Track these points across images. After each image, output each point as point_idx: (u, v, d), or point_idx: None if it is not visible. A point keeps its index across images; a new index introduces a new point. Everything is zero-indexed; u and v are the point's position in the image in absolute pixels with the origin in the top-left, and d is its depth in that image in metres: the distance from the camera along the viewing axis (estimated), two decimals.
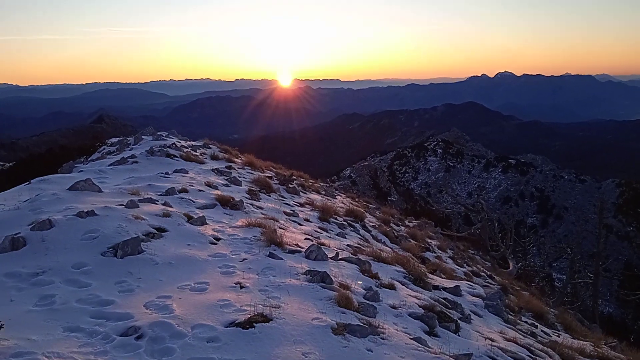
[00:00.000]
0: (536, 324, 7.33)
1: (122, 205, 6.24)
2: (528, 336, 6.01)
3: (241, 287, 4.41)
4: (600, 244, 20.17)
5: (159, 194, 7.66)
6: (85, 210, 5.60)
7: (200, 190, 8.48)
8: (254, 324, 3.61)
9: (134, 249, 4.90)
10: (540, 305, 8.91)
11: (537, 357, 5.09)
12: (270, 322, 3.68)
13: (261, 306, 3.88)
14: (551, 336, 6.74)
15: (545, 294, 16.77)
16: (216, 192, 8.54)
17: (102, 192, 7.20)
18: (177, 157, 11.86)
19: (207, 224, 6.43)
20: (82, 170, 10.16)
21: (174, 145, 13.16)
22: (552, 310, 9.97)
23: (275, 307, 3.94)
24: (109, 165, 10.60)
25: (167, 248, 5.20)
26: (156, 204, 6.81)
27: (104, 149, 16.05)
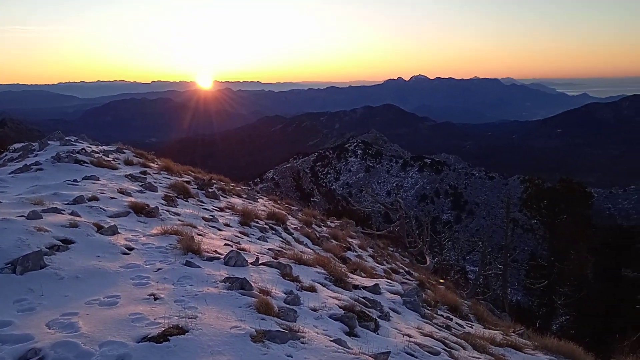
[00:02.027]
0: (451, 316, 7.66)
1: (23, 216, 5.77)
2: (443, 329, 6.27)
3: (155, 299, 4.21)
4: (508, 237, 21.51)
5: (65, 203, 7.17)
6: None
7: (112, 198, 8.04)
8: (169, 337, 3.45)
9: (36, 263, 4.54)
10: (455, 298, 9.33)
11: (452, 350, 5.32)
12: (186, 333, 3.54)
13: (176, 318, 3.72)
14: (465, 327, 7.08)
15: (460, 286, 17.65)
16: (129, 199, 8.14)
17: (1, 202, 6.63)
18: (87, 163, 11.18)
19: (119, 233, 6.11)
20: None
21: (83, 151, 12.40)
22: (466, 302, 10.49)
23: (191, 318, 3.80)
24: (10, 174, 9.78)
25: (74, 261, 4.87)
26: (62, 213, 6.36)
27: (6, 155, 14.78)
